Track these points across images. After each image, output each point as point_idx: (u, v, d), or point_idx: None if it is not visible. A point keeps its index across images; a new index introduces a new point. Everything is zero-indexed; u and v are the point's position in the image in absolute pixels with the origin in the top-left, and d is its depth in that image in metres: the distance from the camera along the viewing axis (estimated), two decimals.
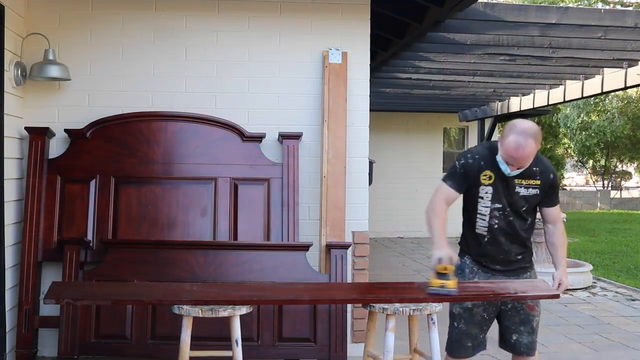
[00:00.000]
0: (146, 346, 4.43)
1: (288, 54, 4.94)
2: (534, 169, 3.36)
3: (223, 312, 3.21)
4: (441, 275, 3.20)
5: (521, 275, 3.50)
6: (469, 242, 3.51)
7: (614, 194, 23.47)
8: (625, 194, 24.32)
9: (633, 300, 7.57)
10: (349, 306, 4.77)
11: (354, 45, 4.97)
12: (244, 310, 3.27)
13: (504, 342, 3.54)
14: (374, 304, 3.37)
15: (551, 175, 3.42)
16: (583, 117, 21.69)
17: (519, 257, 3.48)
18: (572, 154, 25.81)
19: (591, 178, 27.79)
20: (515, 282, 3.44)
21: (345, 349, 4.48)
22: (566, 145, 25.06)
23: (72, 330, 4.38)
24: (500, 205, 3.37)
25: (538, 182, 3.38)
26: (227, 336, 3.35)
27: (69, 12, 4.81)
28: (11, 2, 4.34)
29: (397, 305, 3.33)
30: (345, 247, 4.59)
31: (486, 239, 3.42)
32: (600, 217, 18.85)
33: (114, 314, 4.45)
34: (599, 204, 21.79)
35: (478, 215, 3.42)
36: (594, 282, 8.56)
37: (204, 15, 4.90)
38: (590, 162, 26.05)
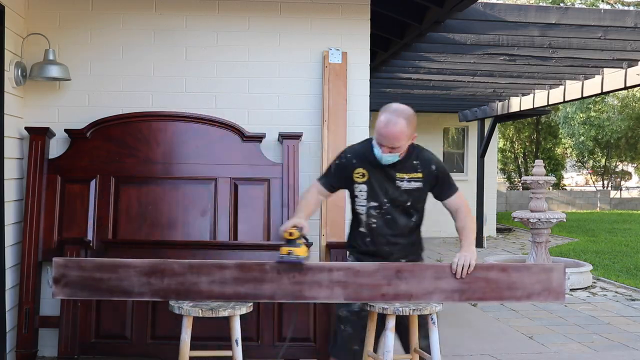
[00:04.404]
0: (146, 346, 4.43)
1: (288, 54, 4.95)
2: (414, 162, 3.32)
3: (223, 312, 3.21)
4: (289, 242, 3.18)
5: None
6: (354, 239, 3.47)
7: (613, 194, 23.46)
8: (625, 194, 24.31)
9: (633, 300, 7.57)
10: None
11: (354, 45, 4.98)
12: (244, 310, 3.27)
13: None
14: (373, 304, 3.37)
15: (433, 167, 3.34)
16: (580, 114, 21.69)
17: (403, 259, 3.39)
18: (573, 154, 25.79)
19: (591, 178, 27.78)
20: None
21: None
22: (566, 145, 25.04)
23: (72, 330, 4.38)
24: (377, 204, 3.32)
25: (420, 174, 3.32)
26: (227, 336, 3.35)
27: (69, 12, 4.81)
28: (11, 2, 4.35)
29: (397, 305, 3.32)
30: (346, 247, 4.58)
31: (368, 239, 3.38)
32: (600, 217, 18.84)
33: (114, 314, 4.45)
34: (598, 204, 21.80)
35: (358, 215, 3.37)
36: (594, 282, 8.57)
37: (204, 15, 4.91)
38: (590, 162, 26.03)
